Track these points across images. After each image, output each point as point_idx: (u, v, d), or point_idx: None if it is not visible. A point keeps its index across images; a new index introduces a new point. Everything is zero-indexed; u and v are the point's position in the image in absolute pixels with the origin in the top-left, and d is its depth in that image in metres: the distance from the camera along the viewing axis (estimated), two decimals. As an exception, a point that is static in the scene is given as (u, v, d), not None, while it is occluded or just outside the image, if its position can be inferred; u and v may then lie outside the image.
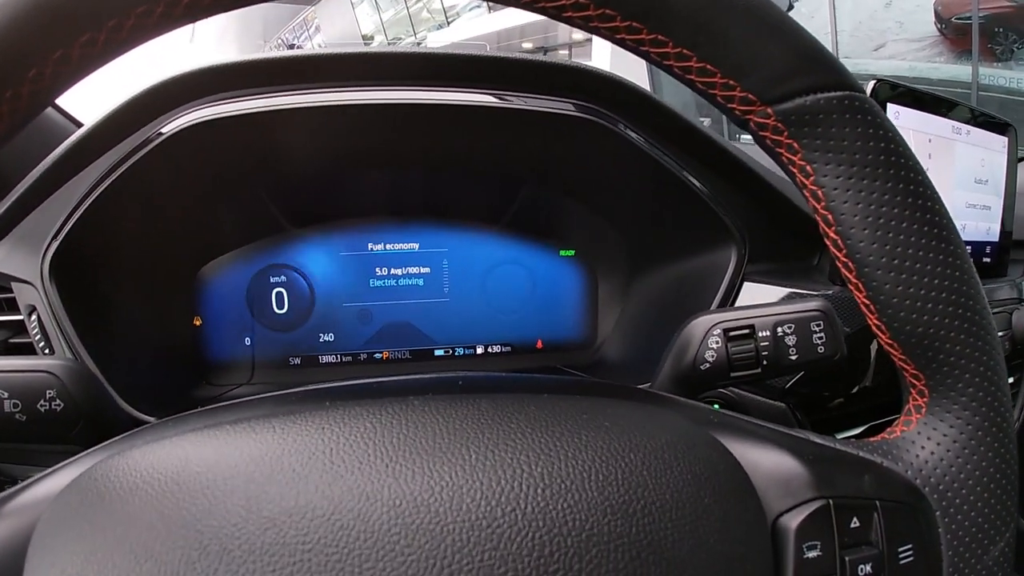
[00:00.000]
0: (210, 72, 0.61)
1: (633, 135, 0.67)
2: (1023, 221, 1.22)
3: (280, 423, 0.28)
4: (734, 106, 0.31)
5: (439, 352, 0.85)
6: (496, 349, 0.86)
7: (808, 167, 0.32)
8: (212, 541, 0.23)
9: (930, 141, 0.79)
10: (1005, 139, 0.94)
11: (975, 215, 0.90)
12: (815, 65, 0.30)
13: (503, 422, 0.29)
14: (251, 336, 0.79)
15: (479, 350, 0.86)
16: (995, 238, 0.95)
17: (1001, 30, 6.51)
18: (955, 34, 6.69)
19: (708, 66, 0.30)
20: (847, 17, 6.92)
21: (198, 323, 0.77)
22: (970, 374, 0.34)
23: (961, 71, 6.46)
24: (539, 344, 0.87)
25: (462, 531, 0.24)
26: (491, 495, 0.25)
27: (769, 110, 0.31)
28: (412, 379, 0.36)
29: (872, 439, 0.36)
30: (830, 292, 0.68)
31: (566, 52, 12.17)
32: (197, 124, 0.60)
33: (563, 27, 10.84)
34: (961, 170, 0.85)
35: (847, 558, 0.30)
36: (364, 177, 0.77)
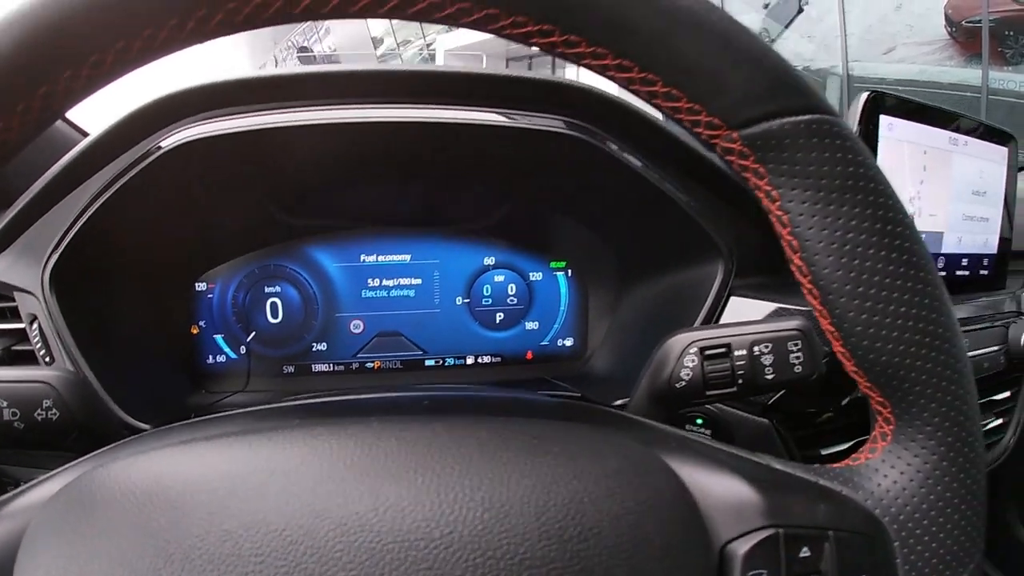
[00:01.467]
0: (209, 89, 0.62)
1: (619, 151, 0.67)
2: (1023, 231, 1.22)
3: (248, 440, 0.30)
4: (700, 130, 0.31)
5: (429, 362, 0.85)
6: (486, 360, 0.86)
7: (774, 192, 0.31)
8: (176, 551, 0.25)
9: (925, 153, 0.78)
10: (1005, 149, 0.93)
11: (973, 227, 0.89)
12: (782, 89, 0.30)
13: (453, 446, 0.30)
14: (246, 345, 0.80)
15: (469, 360, 0.86)
16: (993, 250, 0.94)
17: (1011, 33, 6.47)
18: (965, 37, 6.66)
19: (673, 91, 0.29)
20: (857, 20, 6.90)
21: (195, 332, 0.79)
22: (936, 403, 0.33)
23: (971, 74, 6.44)
24: (529, 355, 0.87)
25: (400, 550, 0.25)
26: (431, 518, 0.26)
27: (735, 135, 0.30)
28: (382, 397, 0.38)
29: (836, 465, 0.36)
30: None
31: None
32: (194, 140, 0.61)
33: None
34: (959, 182, 0.84)
35: None
36: (358, 191, 0.78)
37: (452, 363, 0.86)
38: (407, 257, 0.83)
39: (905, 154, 0.75)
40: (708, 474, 0.32)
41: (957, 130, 0.83)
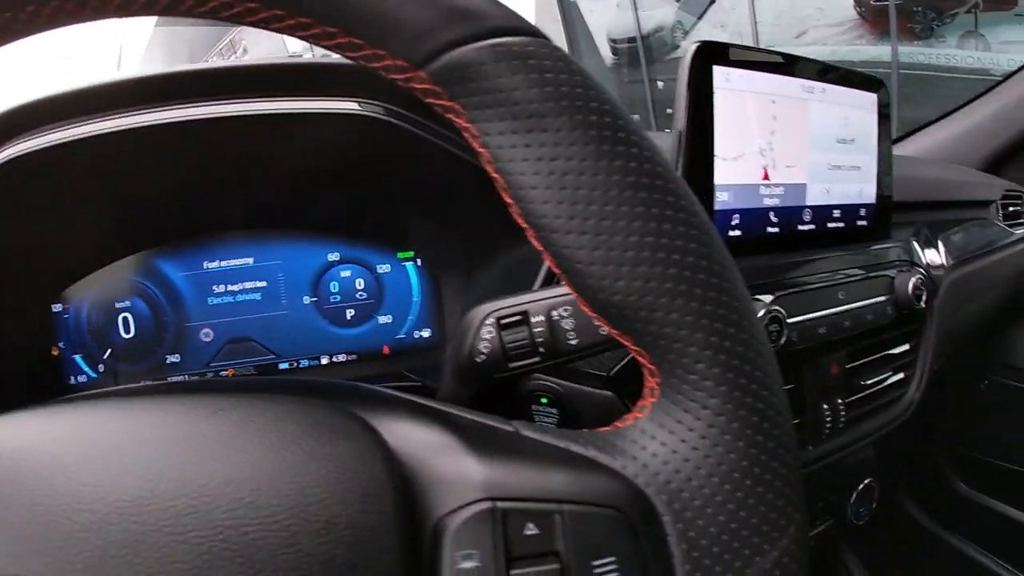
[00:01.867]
0: (38, 103, 0.62)
1: (424, 132, 0.66)
2: (909, 183, 1.20)
3: (32, 422, 0.30)
4: (395, 76, 0.28)
5: (283, 365, 0.82)
6: (341, 358, 0.82)
7: (473, 128, 0.28)
8: None
9: (774, 102, 0.74)
10: (874, 96, 0.90)
11: (842, 176, 0.85)
12: (458, 15, 0.27)
13: (144, 426, 0.29)
14: (103, 363, 0.78)
15: (324, 360, 0.82)
16: (871, 199, 0.91)
17: (919, 9, 6.65)
18: (875, 16, 6.85)
19: (355, 40, 0.27)
20: (768, 7, 7.05)
21: (56, 353, 0.76)
22: (698, 347, 0.28)
23: (882, 51, 6.61)
24: (386, 350, 0.83)
25: (66, 507, 0.25)
26: (95, 483, 0.26)
27: (422, 74, 0.27)
28: (145, 386, 0.38)
29: (603, 429, 0.31)
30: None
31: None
32: (24, 154, 0.60)
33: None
34: (818, 130, 0.80)
35: (513, 572, 0.26)
36: (194, 197, 0.76)
37: (306, 364, 0.82)
38: (250, 260, 0.80)
39: (749, 105, 0.71)
40: (427, 442, 0.29)
41: (813, 77, 0.80)
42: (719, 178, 0.68)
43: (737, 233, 0.71)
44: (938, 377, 1.28)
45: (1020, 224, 1.46)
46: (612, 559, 0.27)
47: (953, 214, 1.29)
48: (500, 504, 0.27)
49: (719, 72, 0.68)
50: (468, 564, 0.26)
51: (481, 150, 0.28)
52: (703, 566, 0.27)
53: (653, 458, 0.29)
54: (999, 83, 1.56)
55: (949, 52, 6.50)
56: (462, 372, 0.48)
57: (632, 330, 0.29)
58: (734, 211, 0.70)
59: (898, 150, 1.65)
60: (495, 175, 0.28)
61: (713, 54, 0.68)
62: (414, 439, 0.29)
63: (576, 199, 0.27)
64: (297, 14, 0.27)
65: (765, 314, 0.65)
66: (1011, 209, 1.45)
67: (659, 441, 0.29)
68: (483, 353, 0.47)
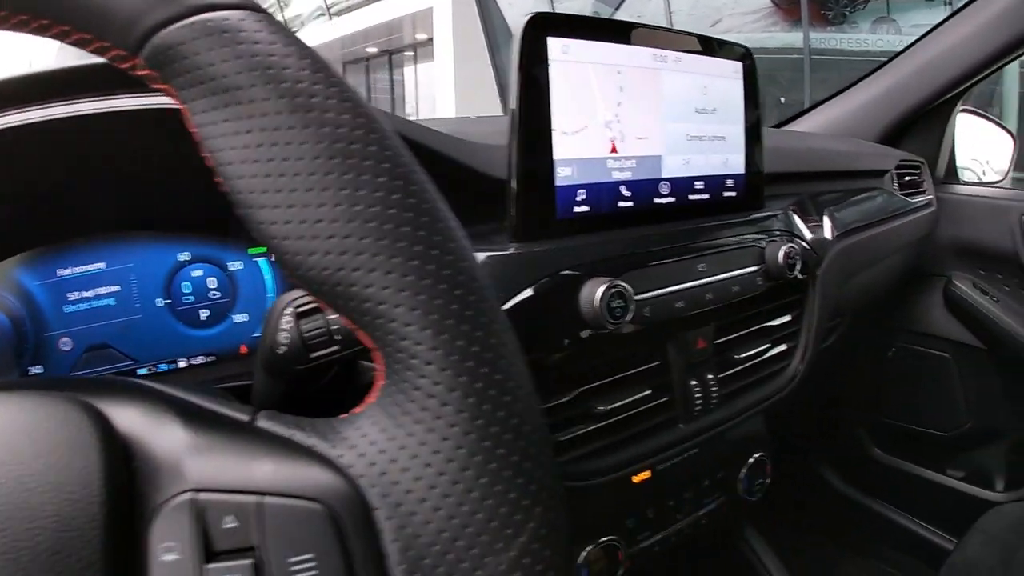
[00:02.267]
0: None
1: None
2: (798, 155, 1.21)
3: None
4: (123, 66, 0.28)
5: (142, 371, 0.79)
6: (199, 360, 0.80)
7: (185, 108, 0.28)
8: None
9: (620, 73, 0.73)
10: (738, 64, 0.89)
11: (704, 147, 0.85)
12: None
13: None
14: None
15: (182, 364, 0.80)
16: (738, 170, 0.90)
17: (833, -5, 6.83)
18: (787, 4, 7.01)
19: (85, 35, 0.27)
20: (684, -3, 7.16)
21: None
22: (401, 321, 0.27)
23: (796, 38, 6.77)
24: (243, 349, 0.81)
25: None
26: None
27: (139, 60, 0.27)
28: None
29: (341, 416, 0.29)
30: (509, 251, 0.63)
31: (411, 53, 12.79)
32: None
33: (406, 29, 11.05)
34: (673, 100, 0.79)
35: (210, 566, 0.25)
36: (45, 202, 0.74)
37: (165, 368, 0.80)
38: (102, 265, 0.78)
39: (590, 76, 0.70)
40: (156, 432, 0.28)
41: (665, 46, 0.79)
42: (559, 153, 0.67)
43: (585, 208, 0.70)
44: (845, 347, 1.29)
45: (918, 193, 1.48)
46: (311, 556, 0.25)
47: (844, 184, 1.30)
48: (201, 496, 0.26)
49: (555, 44, 0.66)
50: (168, 557, 0.25)
51: (195, 131, 0.28)
52: (423, 567, 0.26)
53: (371, 446, 0.27)
54: (894, 57, 1.59)
55: (861, 37, 6.70)
56: (268, 365, 0.46)
57: (337, 306, 0.28)
58: (579, 186, 0.69)
59: (795, 127, 1.68)
60: (206, 155, 0.28)
61: (548, 25, 0.66)
62: (143, 429, 0.28)
63: (268, 171, 0.26)
64: (39, 16, 0.27)
65: (608, 289, 0.63)
66: (907, 179, 1.48)
67: (379, 427, 0.27)
68: (284, 344, 0.45)
